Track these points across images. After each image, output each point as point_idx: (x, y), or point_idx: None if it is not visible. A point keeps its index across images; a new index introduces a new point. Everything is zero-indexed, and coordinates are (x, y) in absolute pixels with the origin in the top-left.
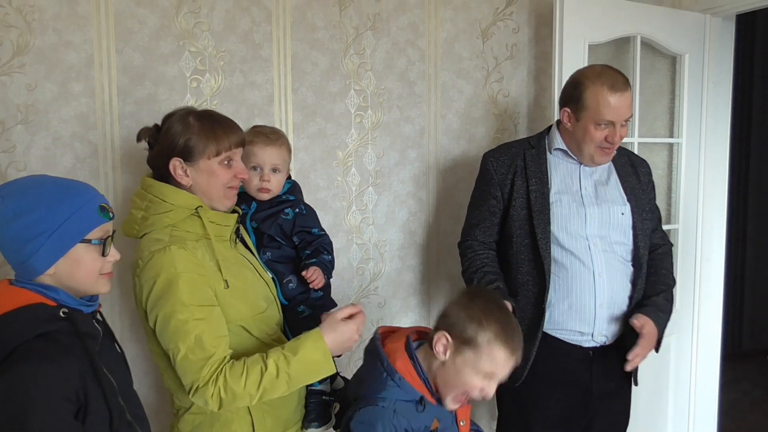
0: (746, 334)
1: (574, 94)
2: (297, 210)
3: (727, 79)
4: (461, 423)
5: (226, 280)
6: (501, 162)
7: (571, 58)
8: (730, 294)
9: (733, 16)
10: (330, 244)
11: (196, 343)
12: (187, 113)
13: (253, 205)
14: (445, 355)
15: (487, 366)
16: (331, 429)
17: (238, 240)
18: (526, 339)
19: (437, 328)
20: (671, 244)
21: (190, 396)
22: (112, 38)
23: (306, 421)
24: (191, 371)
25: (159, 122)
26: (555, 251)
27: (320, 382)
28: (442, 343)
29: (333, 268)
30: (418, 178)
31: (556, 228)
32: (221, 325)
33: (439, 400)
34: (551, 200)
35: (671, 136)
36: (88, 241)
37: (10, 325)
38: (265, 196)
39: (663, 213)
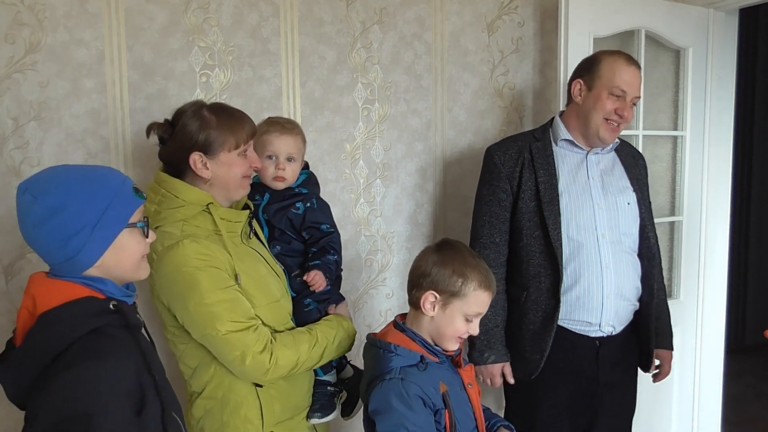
0: (750, 327)
1: (589, 66)
2: (308, 204)
3: (731, 73)
4: (469, 386)
5: (237, 275)
6: (508, 155)
7: (576, 52)
8: (733, 287)
9: (737, 10)
10: (338, 242)
11: (233, 320)
12: (200, 107)
13: (266, 196)
14: (433, 310)
15: (474, 309)
16: (338, 417)
17: (252, 233)
18: (542, 330)
19: (420, 287)
20: (658, 248)
21: (245, 367)
22: (122, 35)
23: (310, 412)
24: (240, 342)
25: (169, 117)
26: (563, 243)
27: (326, 372)
28: (429, 301)
29: (339, 266)
30: (425, 170)
31: (564, 219)
32: (248, 303)
33: (439, 355)
34: (560, 191)
35: (675, 128)
36: (133, 225)
37: (62, 320)
38: (281, 185)
39: (667, 205)
